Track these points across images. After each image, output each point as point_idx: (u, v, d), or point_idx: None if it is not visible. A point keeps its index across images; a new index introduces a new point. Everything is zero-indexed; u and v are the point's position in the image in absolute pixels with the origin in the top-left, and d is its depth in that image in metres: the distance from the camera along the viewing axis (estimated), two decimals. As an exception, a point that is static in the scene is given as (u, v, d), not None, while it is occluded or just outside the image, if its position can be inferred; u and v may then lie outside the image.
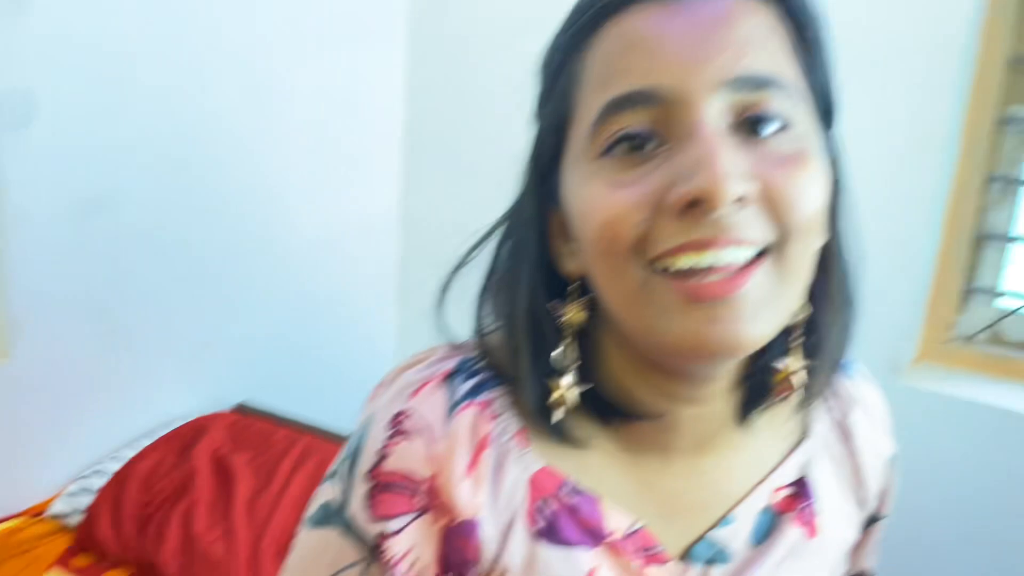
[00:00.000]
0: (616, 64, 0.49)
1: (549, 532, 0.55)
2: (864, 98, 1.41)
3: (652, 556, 0.56)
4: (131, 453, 1.35)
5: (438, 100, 1.84)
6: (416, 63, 1.85)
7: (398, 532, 0.54)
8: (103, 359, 1.38)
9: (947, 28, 1.33)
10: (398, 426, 0.55)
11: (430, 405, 0.55)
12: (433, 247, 1.90)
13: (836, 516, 0.63)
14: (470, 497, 0.54)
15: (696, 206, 0.45)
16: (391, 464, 0.54)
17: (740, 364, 0.56)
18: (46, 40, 1.21)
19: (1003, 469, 1.39)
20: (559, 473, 0.56)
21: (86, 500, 1.28)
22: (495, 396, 0.56)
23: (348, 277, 1.83)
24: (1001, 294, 1.50)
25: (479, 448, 0.55)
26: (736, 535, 0.59)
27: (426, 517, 0.54)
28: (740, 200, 0.46)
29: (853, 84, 1.54)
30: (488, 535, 0.54)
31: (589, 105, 0.50)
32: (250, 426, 1.46)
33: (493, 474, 0.55)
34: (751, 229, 0.47)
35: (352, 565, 0.56)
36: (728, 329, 0.46)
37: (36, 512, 1.30)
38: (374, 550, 0.55)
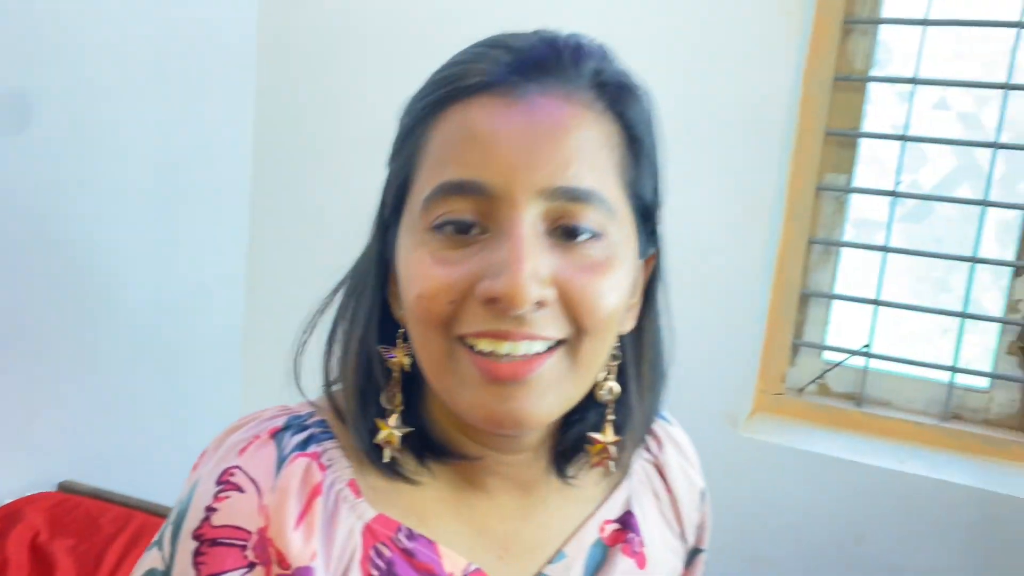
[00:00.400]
0: (453, 150, 0.53)
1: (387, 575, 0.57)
2: (697, 169, 1.50)
3: None
4: (-68, 546, 1.21)
5: (286, 161, 1.81)
6: (264, 121, 1.81)
7: None
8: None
9: (769, 103, 1.44)
10: (226, 482, 0.55)
11: (258, 460, 0.56)
12: (278, 311, 1.85)
13: (662, 548, 0.69)
14: (302, 546, 0.54)
15: (498, 303, 0.50)
16: (219, 519, 0.54)
17: (553, 426, 0.61)
18: None
19: (835, 513, 1.48)
20: (394, 520, 0.58)
21: None
22: (325, 448, 0.58)
23: (188, 342, 1.73)
24: (826, 348, 1.61)
25: (311, 497, 0.56)
26: (569, 569, 0.63)
27: (257, 570, 0.54)
28: (539, 303, 0.51)
29: (687, 157, 1.64)
30: None
31: (426, 179, 0.54)
32: (75, 508, 1.35)
33: (326, 523, 0.56)
34: (547, 327, 0.52)
35: None
36: (518, 407, 0.52)
37: None
38: None
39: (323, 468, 0.57)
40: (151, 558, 0.57)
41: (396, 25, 1.67)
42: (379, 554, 0.57)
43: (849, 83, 1.51)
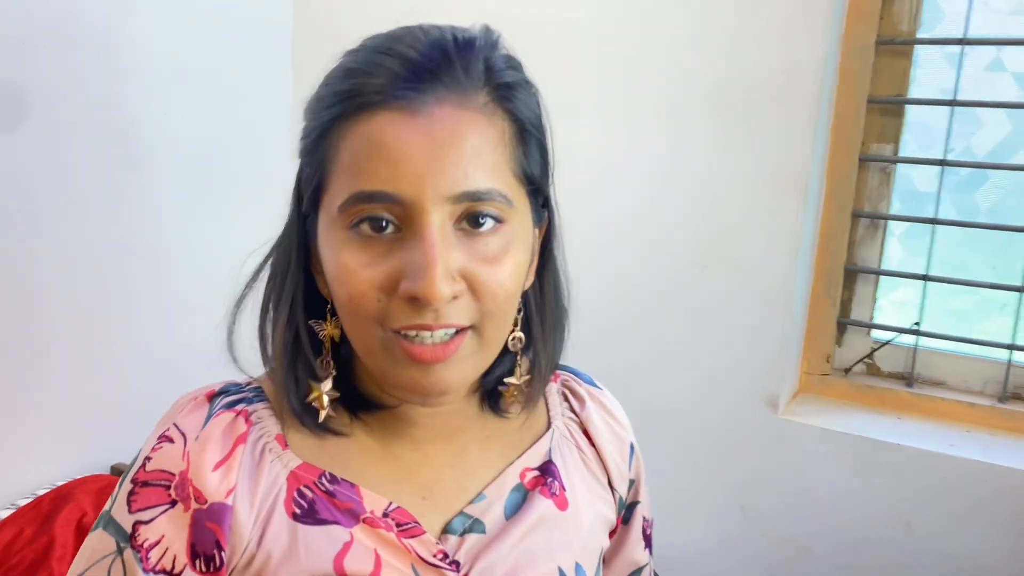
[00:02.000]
0: (364, 163, 0.59)
1: (308, 514, 0.65)
2: (729, 142, 1.45)
3: (408, 530, 0.67)
4: (-13, 526, 1.28)
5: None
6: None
7: (151, 521, 0.63)
8: (-41, 427, 1.32)
9: (803, 72, 1.37)
10: (163, 436, 0.66)
11: (191, 417, 0.66)
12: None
13: (586, 494, 0.76)
14: (219, 483, 0.63)
15: (417, 301, 0.58)
16: (151, 465, 0.65)
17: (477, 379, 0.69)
18: None
19: (882, 498, 1.42)
20: (318, 468, 0.67)
21: (-65, 579, 1.21)
22: (255, 408, 0.68)
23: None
24: (874, 327, 1.54)
25: (234, 445, 0.65)
26: (489, 509, 0.70)
27: (178, 507, 0.63)
28: (453, 298, 0.59)
29: (719, 129, 1.57)
30: (243, 520, 0.64)
31: (341, 185, 0.61)
32: (122, 490, 1.41)
33: (251, 469, 0.65)
34: (458, 316, 0.60)
35: (105, 556, 0.64)
36: (438, 379, 0.62)
37: None
38: (129, 538, 0.63)
39: (249, 423, 0.67)
40: (108, 503, 0.67)
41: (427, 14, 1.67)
42: (302, 495, 0.65)
43: (893, 47, 1.43)
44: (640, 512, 0.82)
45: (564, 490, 0.74)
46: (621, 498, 0.80)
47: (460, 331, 0.61)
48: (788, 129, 1.40)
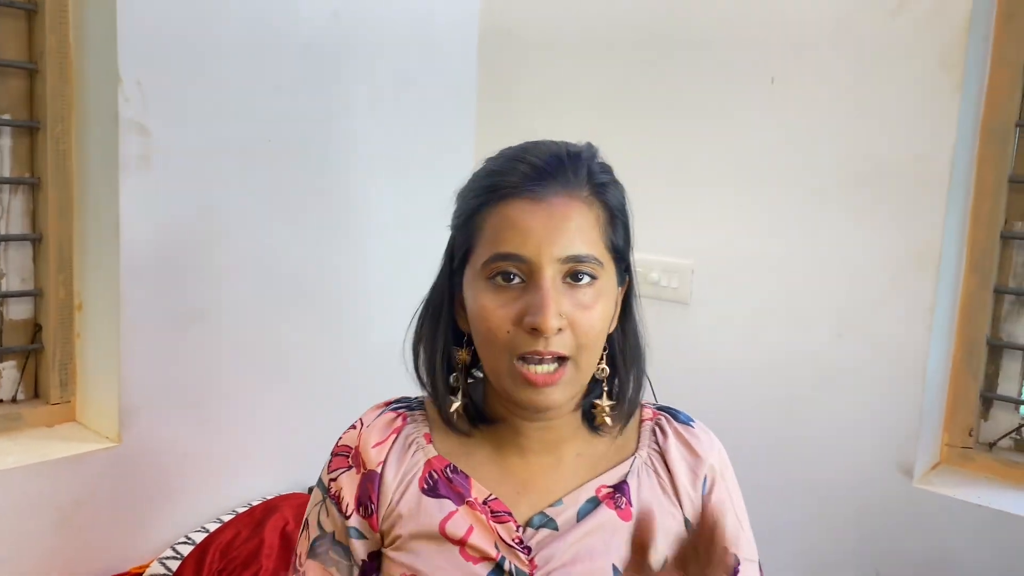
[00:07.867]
0: (501, 233, 0.85)
1: (431, 490, 0.91)
2: (862, 223, 1.53)
3: (499, 517, 0.89)
4: (214, 526, 1.57)
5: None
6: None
7: (337, 478, 0.93)
8: (198, 445, 1.61)
9: (934, 156, 1.45)
10: (351, 426, 0.96)
11: (371, 414, 0.97)
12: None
13: (657, 510, 0.91)
14: (375, 458, 0.92)
15: (536, 330, 0.82)
16: (341, 443, 0.96)
17: (575, 400, 0.90)
18: (164, 196, 1.51)
19: (1019, 572, 1.41)
20: (447, 460, 0.92)
21: (175, 564, 1.51)
22: (413, 413, 0.96)
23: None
24: (1021, 402, 1.54)
25: (390, 434, 0.94)
26: (564, 512, 0.90)
27: (351, 471, 0.93)
28: (559, 330, 0.83)
29: (852, 210, 1.64)
30: (388, 484, 0.91)
31: (484, 249, 0.86)
32: (317, 507, 1.66)
33: (399, 452, 0.92)
34: (561, 346, 0.83)
35: (317, 503, 0.96)
36: (546, 398, 0.84)
37: (137, 572, 1.54)
38: (326, 491, 0.94)
39: (404, 421, 0.95)
40: (320, 474, 0.96)
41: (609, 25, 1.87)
42: (431, 477, 0.91)
43: (1035, 129, 1.47)
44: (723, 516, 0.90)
45: (630, 505, 0.91)
46: (686, 518, 0.93)
47: (562, 362, 0.83)
48: (920, 209, 1.46)
